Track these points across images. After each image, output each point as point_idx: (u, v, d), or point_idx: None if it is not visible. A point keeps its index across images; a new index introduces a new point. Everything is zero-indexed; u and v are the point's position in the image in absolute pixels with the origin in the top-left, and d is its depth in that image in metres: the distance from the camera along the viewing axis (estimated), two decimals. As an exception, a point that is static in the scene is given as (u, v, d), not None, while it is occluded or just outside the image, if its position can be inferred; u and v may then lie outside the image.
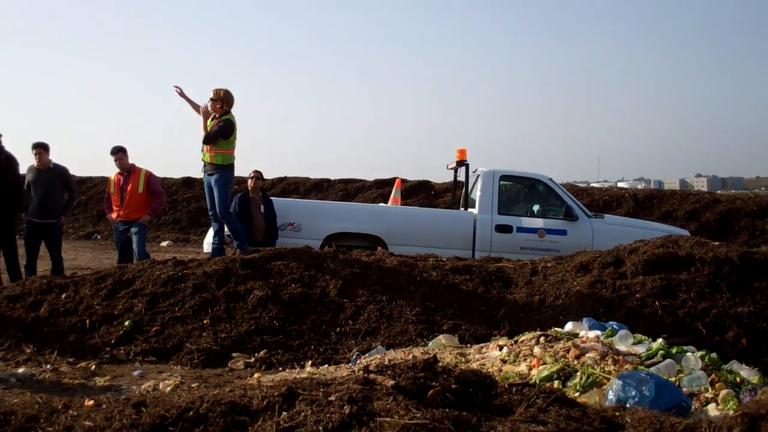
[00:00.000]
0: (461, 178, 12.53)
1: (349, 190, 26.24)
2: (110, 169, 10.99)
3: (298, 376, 5.56)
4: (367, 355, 6.77)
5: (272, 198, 11.23)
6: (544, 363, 5.25)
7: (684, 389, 4.78)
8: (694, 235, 11.17)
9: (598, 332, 5.99)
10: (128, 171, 10.60)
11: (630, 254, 8.35)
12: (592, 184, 42.36)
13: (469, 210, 11.59)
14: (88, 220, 25.70)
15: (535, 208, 11.66)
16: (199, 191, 26.09)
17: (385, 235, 10.87)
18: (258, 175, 11.05)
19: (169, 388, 6.00)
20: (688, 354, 5.45)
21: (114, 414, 3.31)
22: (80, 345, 7.48)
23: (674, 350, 5.52)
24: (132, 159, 10.73)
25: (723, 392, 4.75)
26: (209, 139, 9.28)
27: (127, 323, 7.71)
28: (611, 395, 4.43)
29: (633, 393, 4.33)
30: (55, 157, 10.66)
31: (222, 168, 9.44)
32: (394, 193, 14.09)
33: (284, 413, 3.18)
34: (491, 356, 5.88)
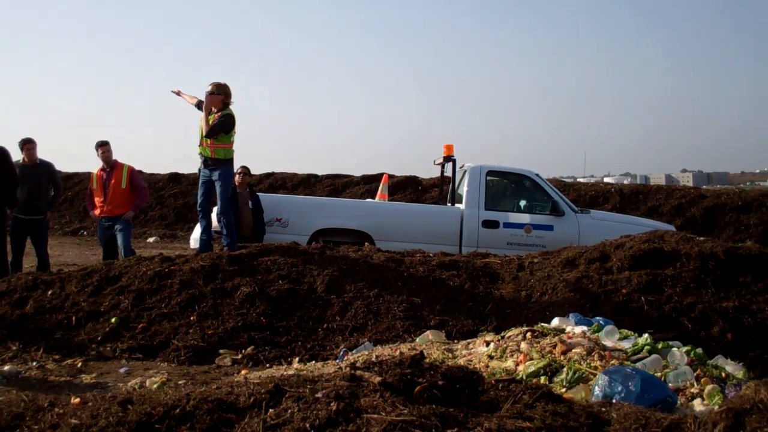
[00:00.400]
0: (448, 173, 12.54)
1: (337, 185, 26.19)
2: (94, 165, 10.95)
3: (285, 373, 5.55)
4: (354, 351, 6.77)
5: (259, 194, 11.19)
6: (531, 359, 5.26)
7: (670, 384, 4.80)
8: (679, 230, 11.21)
9: (585, 328, 6.01)
10: (111, 166, 10.55)
11: (616, 249, 8.38)
12: (578, 180, 42.42)
13: (456, 205, 11.59)
14: (74, 217, 25.60)
15: (522, 203, 11.69)
16: (186, 187, 26.00)
17: (373, 231, 10.86)
18: (245, 171, 10.99)
19: (155, 386, 5.98)
20: (674, 349, 5.47)
21: (100, 412, 3.30)
22: (66, 342, 7.45)
23: (660, 345, 5.54)
24: (116, 155, 10.70)
25: (708, 387, 4.77)
26: (212, 133, 9.23)
27: (113, 320, 7.68)
28: (597, 391, 4.44)
29: (619, 388, 4.35)
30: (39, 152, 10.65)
31: (224, 163, 9.40)
32: (382, 188, 14.08)
33: (271, 410, 3.18)
34: (478, 352, 5.88)
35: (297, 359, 6.97)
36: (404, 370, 3.63)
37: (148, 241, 22.04)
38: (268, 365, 6.92)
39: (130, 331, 7.59)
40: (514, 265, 8.80)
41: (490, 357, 5.61)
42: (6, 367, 6.61)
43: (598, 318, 6.54)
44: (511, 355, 5.48)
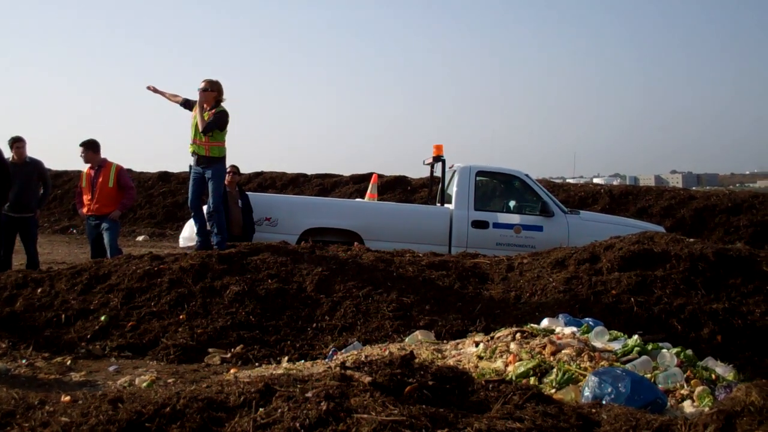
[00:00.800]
0: (438, 173, 12.56)
1: (326, 185, 26.19)
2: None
3: (274, 372, 5.55)
4: (343, 350, 6.77)
5: (249, 193, 11.18)
6: (521, 359, 5.26)
7: (659, 386, 4.81)
8: (669, 231, 11.24)
9: (574, 328, 6.02)
10: (99, 165, 10.50)
11: (606, 251, 8.40)
12: (567, 180, 42.55)
13: (446, 206, 11.60)
14: (63, 214, 25.53)
15: (512, 204, 11.71)
16: (176, 186, 25.95)
17: (362, 231, 10.87)
18: (235, 170, 10.95)
19: (145, 384, 5.97)
20: (664, 351, 5.49)
21: (90, 410, 3.29)
22: (56, 340, 7.43)
23: (650, 347, 5.55)
24: (105, 154, 10.66)
25: (698, 389, 4.79)
26: (208, 130, 9.18)
27: (102, 318, 7.66)
28: (587, 392, 4.45)
29: (609, 390, 4.36)
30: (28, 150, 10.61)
31: (218, 161, 9.37)
32: (371, 188, 14.08)
33: (261, 409, 3.18)
34: (467, 352, 5.89)
35: (286, 358, 6.96)
36: (394, 370, 3.63)
37: (137, 239, 21.98)
38: (257, 364, 6.91)
39: (119, 329, 7.57)
40: (503, 265, 8.81)
41: (480, 357, 5.62)
42: (-5, 365, 6.59)
43: (587, 319, 6.55)
44: (501, 356, 5.49)
